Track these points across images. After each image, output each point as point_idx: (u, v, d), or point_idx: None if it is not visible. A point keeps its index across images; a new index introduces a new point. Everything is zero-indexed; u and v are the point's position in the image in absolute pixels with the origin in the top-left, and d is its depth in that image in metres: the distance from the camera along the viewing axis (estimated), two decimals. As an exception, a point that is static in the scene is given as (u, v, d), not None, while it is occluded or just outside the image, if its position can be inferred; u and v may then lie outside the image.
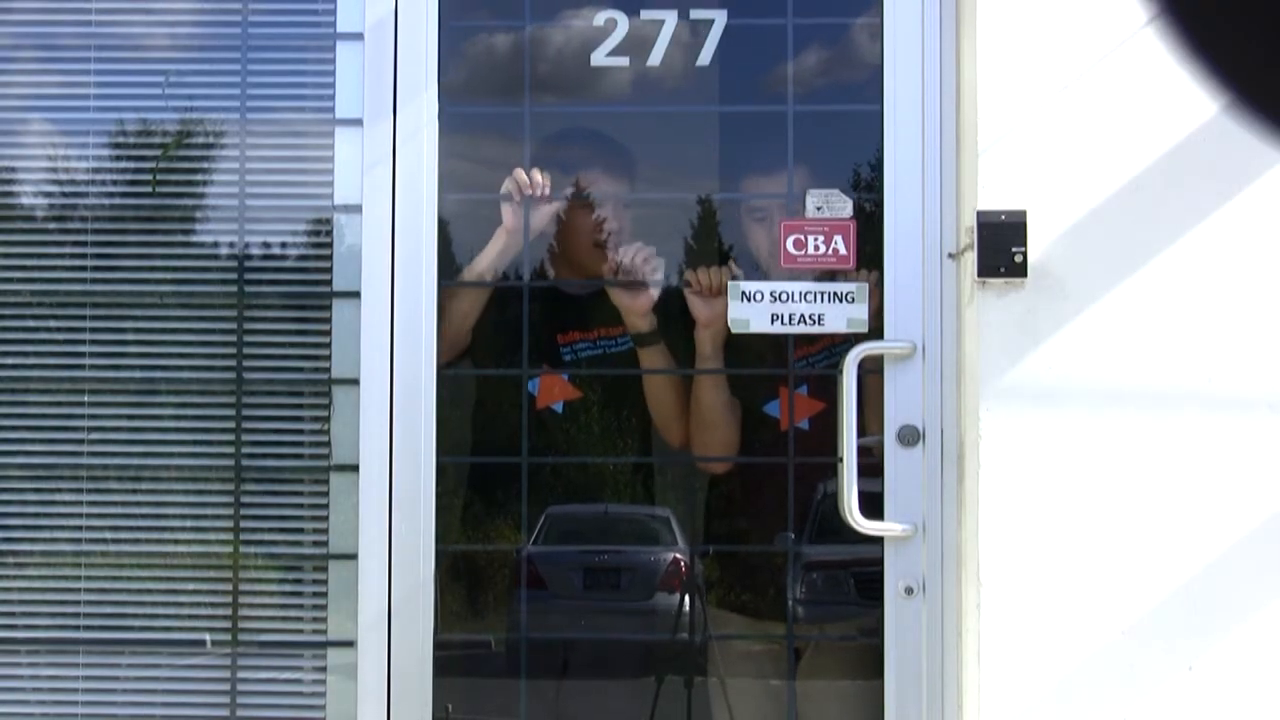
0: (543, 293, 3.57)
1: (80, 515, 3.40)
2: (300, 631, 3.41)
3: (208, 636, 3.38)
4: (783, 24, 3.40)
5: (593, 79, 3.48)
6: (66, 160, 3.48)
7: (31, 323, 3.45)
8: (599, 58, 3.43)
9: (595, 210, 3.58)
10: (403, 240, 3.31)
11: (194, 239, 3.48)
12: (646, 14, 3.43)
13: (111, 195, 3.49)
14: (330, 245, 3.40)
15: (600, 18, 3.44)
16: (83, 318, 3.42)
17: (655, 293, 3.49)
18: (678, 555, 3.70)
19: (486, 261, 3.48)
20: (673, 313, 3.52)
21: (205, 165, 3.48)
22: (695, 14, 3.42)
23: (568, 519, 3.67)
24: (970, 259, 3.14)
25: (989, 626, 3.08)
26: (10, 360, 3.44)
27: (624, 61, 3.44)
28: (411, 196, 3.32)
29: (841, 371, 3.18)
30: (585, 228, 3.58)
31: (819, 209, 3.35)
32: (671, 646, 3.62)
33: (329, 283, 3.37)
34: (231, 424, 3.39)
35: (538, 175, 3.43)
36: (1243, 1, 1.05)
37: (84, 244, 3.46)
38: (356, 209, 3.34)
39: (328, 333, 3.36)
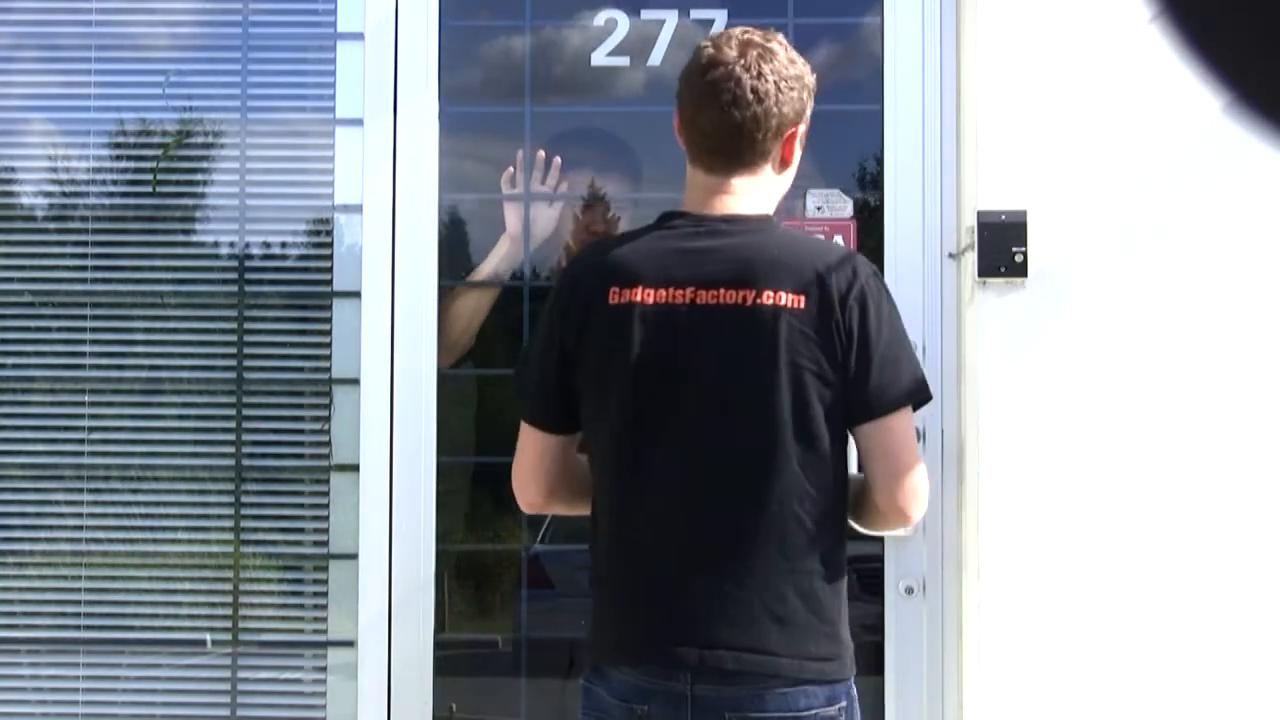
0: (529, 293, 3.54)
1: (81, 515, 3.40)
2: (301, 631, 3.41)
3: (208, 636, 3.38)
4: (783, 24, 3.39)
5: (593, 79, 3.48)
6: (67, 160, 3.49)
7: (32, 323, 3.45)
8: (599, 57, 3.43)
9: (591, 208, 3.56)
10: (403, 240, 3.31)
11: (194, 239, 3.48)
12: (647, 14, 3.43)
13: (112, 195, 3.49)
14: (330, 245, 3.40)
15: (601, 17, 3.44)
16: (83, 318, 3.43)
17: None
18: None
19: (491, 266, 3.46)
20: None
21: (206, 165, 3.48)
22: (696, 14, 3.42)
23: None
24: (970, 259, 3.14)
25: (989, 626, 3.08)
26: (11, 360, 3.44)
27: (624, 61, 3.44)
28: (411, 196, 3.32)
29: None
30: (581, 226, 3.56)
31: (819, 209, 3.35)
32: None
33: (329, 283, 3.38)
34: (232, 424, 3.39)
35: (541, 155, 3.41)
36: (1243, 2, 1.06)
37: (85, 244, 3.46)
38: (357, 209, 3.34)
39: (328, 333, 3.37)
